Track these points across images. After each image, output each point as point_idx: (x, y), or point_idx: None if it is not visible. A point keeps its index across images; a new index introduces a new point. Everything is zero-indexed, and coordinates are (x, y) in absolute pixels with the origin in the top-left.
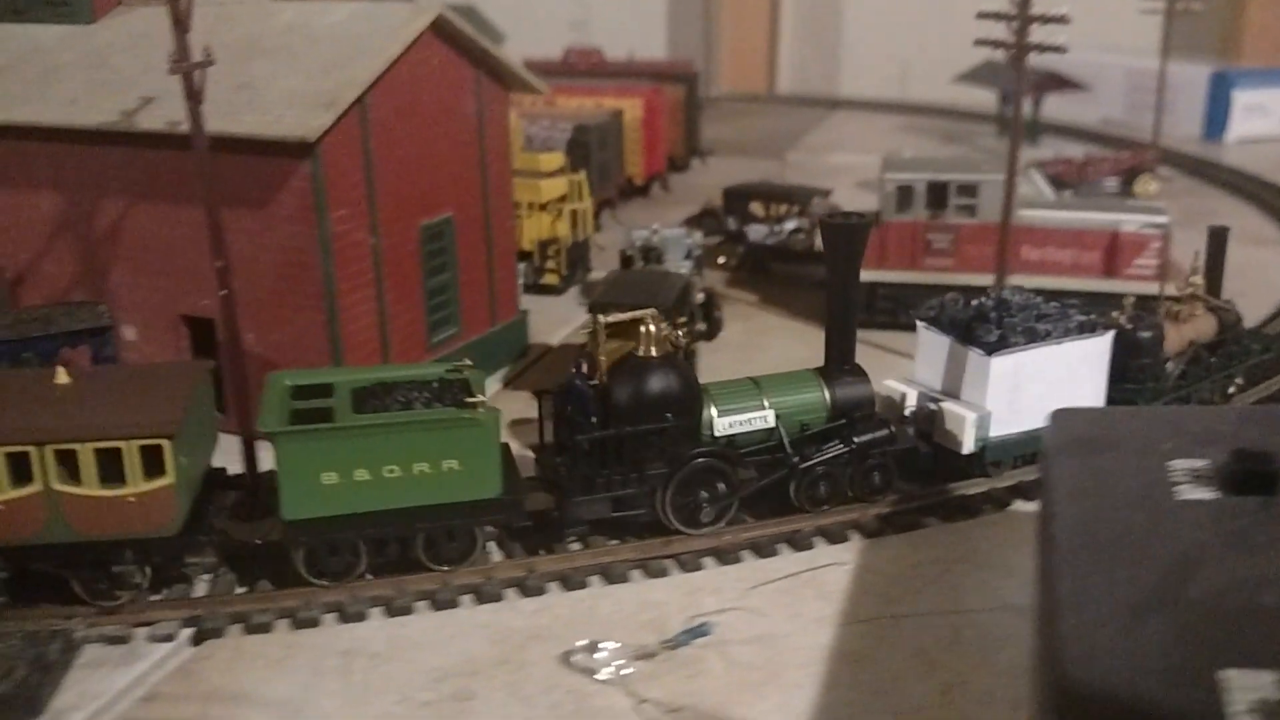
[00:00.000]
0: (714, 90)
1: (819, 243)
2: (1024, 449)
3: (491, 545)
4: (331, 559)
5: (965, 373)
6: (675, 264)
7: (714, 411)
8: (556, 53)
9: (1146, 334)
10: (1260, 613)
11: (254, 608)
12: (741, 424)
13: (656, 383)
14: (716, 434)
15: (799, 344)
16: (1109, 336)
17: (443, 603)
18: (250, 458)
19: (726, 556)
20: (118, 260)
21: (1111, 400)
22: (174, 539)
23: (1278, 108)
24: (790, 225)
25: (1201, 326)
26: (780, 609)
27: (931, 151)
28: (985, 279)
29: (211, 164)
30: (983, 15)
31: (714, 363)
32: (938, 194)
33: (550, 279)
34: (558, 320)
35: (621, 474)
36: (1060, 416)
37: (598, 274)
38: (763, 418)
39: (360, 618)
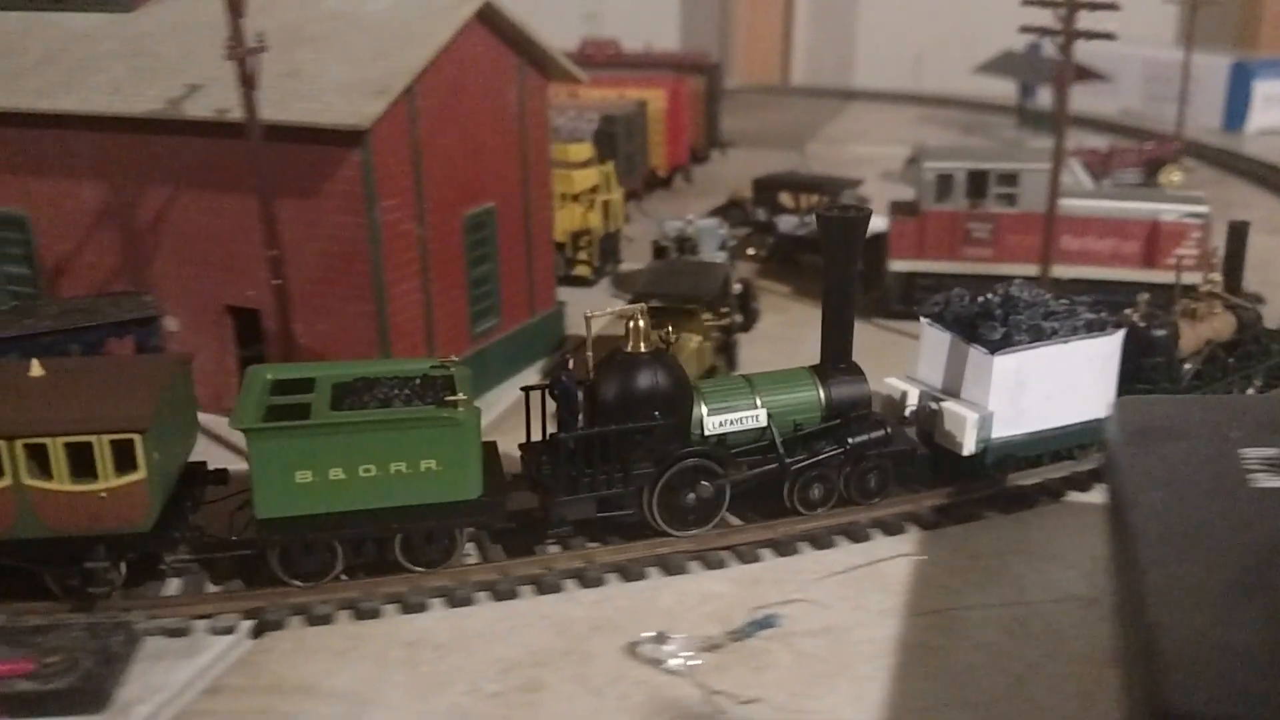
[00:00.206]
0: (728, 82)
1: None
2: (1028, 451)
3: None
4: (307, 559)
5: (968, 371)
6: (709, 255)
7: (704, 410)
8: (569, 44)
9: (1160, 332)
10: None
11: (315, 599)
12: (732, 423)
13: (644, 380)
14: (706, 433)
15: None
16: (1118, 336)
17: (503, 593)
18: None
19: (784, 548)
20: (160, 250)
21: None
22: (147, 535)
23: None
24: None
25: (1219, 325)
26: (843, 601)
27: (953, 143)
28: (1025, 269)
29: (262, 153)
30: (1028, 1)
31: (754, 355)
32: (978, 183)
33: (582, 270)
34: (591, 311)
35: (607, 473)
36: (1123, 406)
37: (627, 266)
38: (754, 417)
39: (422, 609)
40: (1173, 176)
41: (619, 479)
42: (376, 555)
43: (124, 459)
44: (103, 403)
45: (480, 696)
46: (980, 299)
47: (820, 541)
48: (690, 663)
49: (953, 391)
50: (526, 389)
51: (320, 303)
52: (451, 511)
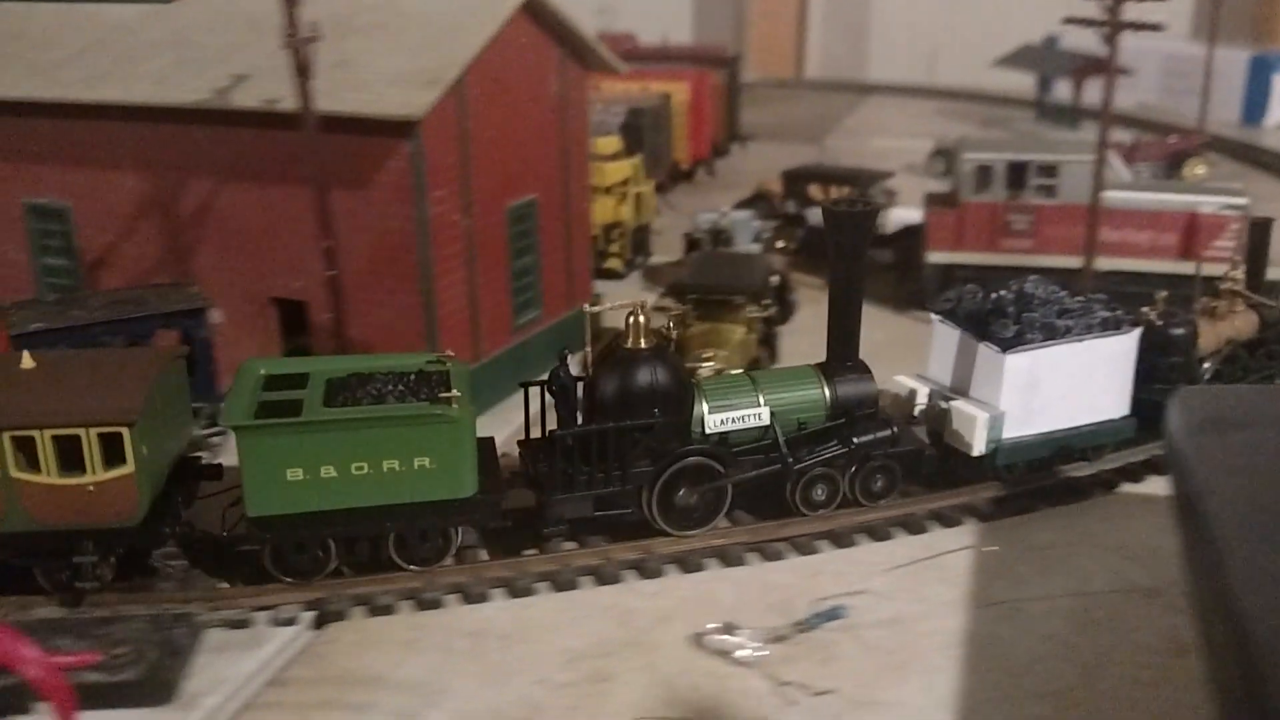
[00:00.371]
0: (743, 76)
1: (884, 225)
2: (1040, 452)
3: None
4: (300, 556)
5: (979, 370)
6: (743, 246)
7: (705, 408)
8: None
9: (1178, 331)
10: None
11: (377, 589)
12: (734, 421)
13: (643, 377)
14: (707, 431)
15: (873, 328)
16: (1134, 334)
17: (563, 584)
18: None
19: (842, 540)
20: (204, 242)
21: (1138, 401)
22: (135, 530)
23: None
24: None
25: (1240, 324)
26: (905, 592)
27: (974, 136)
28: (1065, 260)
29: (317, 143)
30: None
31: (794, 346)
32: (1017, 174)
33: (614, 263)
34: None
35: (605, 472)
36: (1187, 396)
37: (658, 259)
38: (757, 415)
39: (483, 599)
40: (1197, 170)
41: (617, 477)
42: (370, 553)
43: (112, 452)
44: (91, 395)
45: (550, 686)
46: (993, 295)
47: (878, 533)
48: (758, 654)
49: (963, 390)
50: (525, 385)
51: (368, 294)
52: (445, 510)
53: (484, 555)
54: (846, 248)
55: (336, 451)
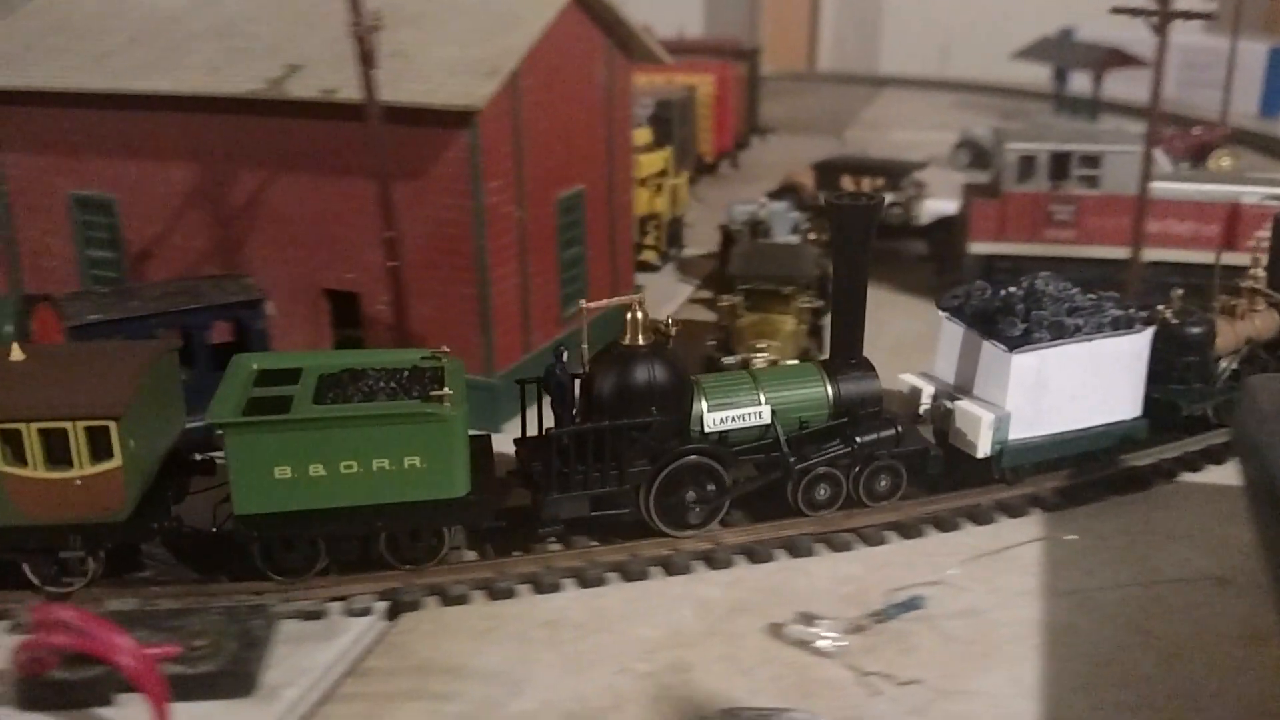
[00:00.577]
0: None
1: (918, 217)
2: (1049, 455)
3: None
4: (289, 555)
5: (986, 369)
6: (781, 238)
7: (704, 406)
8: None
9: (1195, 330)
10: None
11: (450, 579)
12: (734, 420)
13: (641, 374)
14: (707, 430)
15: (915, 320)
16: (1147, 333)
17: (634, 574)
18: None
19: (910, 531)
20: (254, 233)
21: (1152, 402)
22: (123, 525)
23: None
24: (886, 200)
25: (1261, 324)
26: (978, 583)
27: (996, 127)
28: (1107, 251)
29: (380, 133)
30: None
31: None
32: (1060, 164)
33: (649, 255)
34: (661, 296)
35: (601, 471)
36: (1258, 385)
37: (690, 251)
38: (757, 414)
39: (555, 589)
40: (1223, 162)
41: (614, 477)
42: (361, 553)
43: (99, 446)
44: (79, 388)
45: (632, 676)
46: (1002, 292)
47: (945, 524)
48: (838, 644)
49: (970, 390)
50: (521, 382)
51: (422, 285)
52: (436, 510)
53: (470, 555)
54: (850, 242)
55: (325, 450)
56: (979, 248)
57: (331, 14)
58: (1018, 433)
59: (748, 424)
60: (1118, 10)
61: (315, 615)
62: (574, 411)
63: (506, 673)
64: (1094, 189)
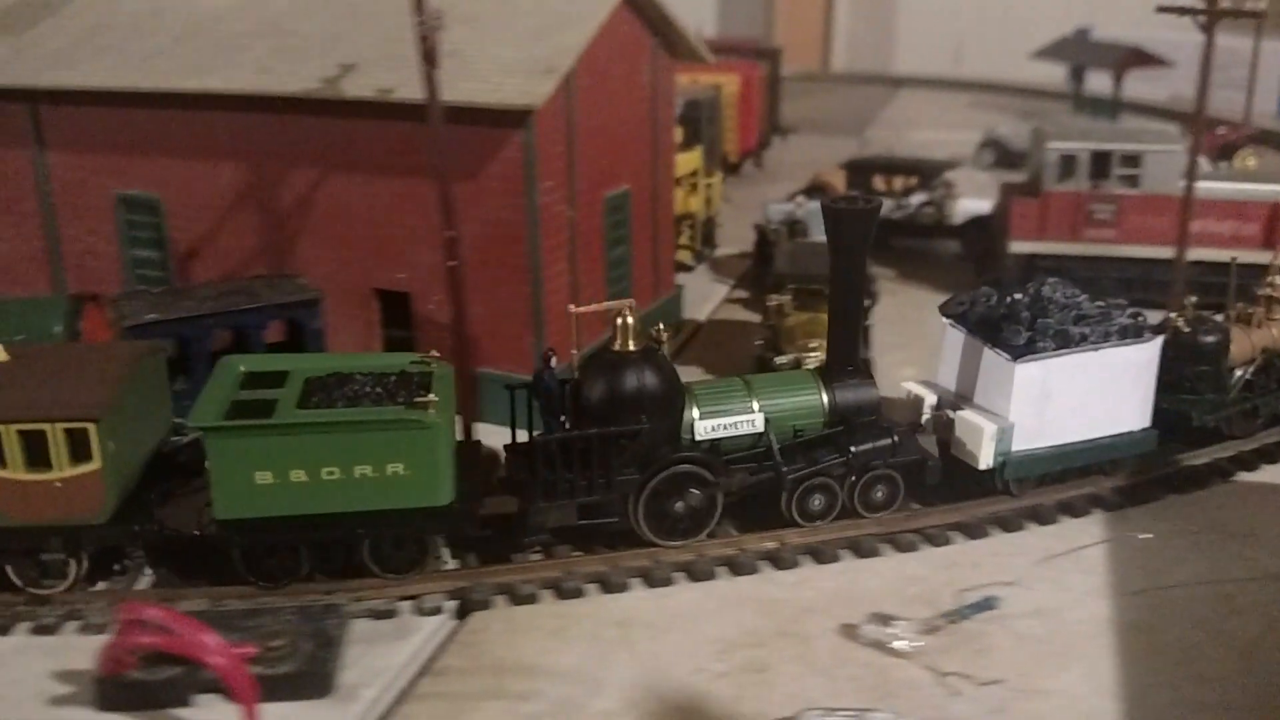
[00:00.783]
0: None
1: (951, 216)
2: (1053, 466)
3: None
4: (271, 560)
5: (989, 378)
6: (819, 237)
7: (695, 413)
8: None
9: (1210, 338)
10: None
11: (519, 579)
12: (726, 428)
13: (630, 380)
14: (697, 438)
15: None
16: (1156, 343)
17: (700, 574)
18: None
19: (973, 531)
20: (303, 233)
21: (1162, 412)
22: (103, 527)
23: None
24: (918, 199)
25: (1278, 333)
26: (1047, 582)
27: (1015, 126)
28: (1148, 250)
29: (442, 133)
30: None
31: (884, 338)
32: (1101, 164)
33: (683, 255)
34: (698, 296)
35: (588, 479)
36: None
37: (723, 251)
38: (750, 421)
39: (623, 588)
40: (1248, 161)
41: (601, 485)
42: (344, 559)
43: (79, 448)
44: (59, 390)
45: (709, 676)
46: (1009, 299)
47: (1009, 524)
48: (914, 645)
49: (973, 399)
50: (511, 387)
51: (474, 285)
52: (419, 518)
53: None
54: (848, 246)
55: (306, 455)
56: (1020, 247)
57: (379, 13)
58: (1021, 444)
59: (740, 432)
60: (1164, 9)
61: (386, 614)
62: (562, 418)
63: (583, 672)
64: (1134, 188)
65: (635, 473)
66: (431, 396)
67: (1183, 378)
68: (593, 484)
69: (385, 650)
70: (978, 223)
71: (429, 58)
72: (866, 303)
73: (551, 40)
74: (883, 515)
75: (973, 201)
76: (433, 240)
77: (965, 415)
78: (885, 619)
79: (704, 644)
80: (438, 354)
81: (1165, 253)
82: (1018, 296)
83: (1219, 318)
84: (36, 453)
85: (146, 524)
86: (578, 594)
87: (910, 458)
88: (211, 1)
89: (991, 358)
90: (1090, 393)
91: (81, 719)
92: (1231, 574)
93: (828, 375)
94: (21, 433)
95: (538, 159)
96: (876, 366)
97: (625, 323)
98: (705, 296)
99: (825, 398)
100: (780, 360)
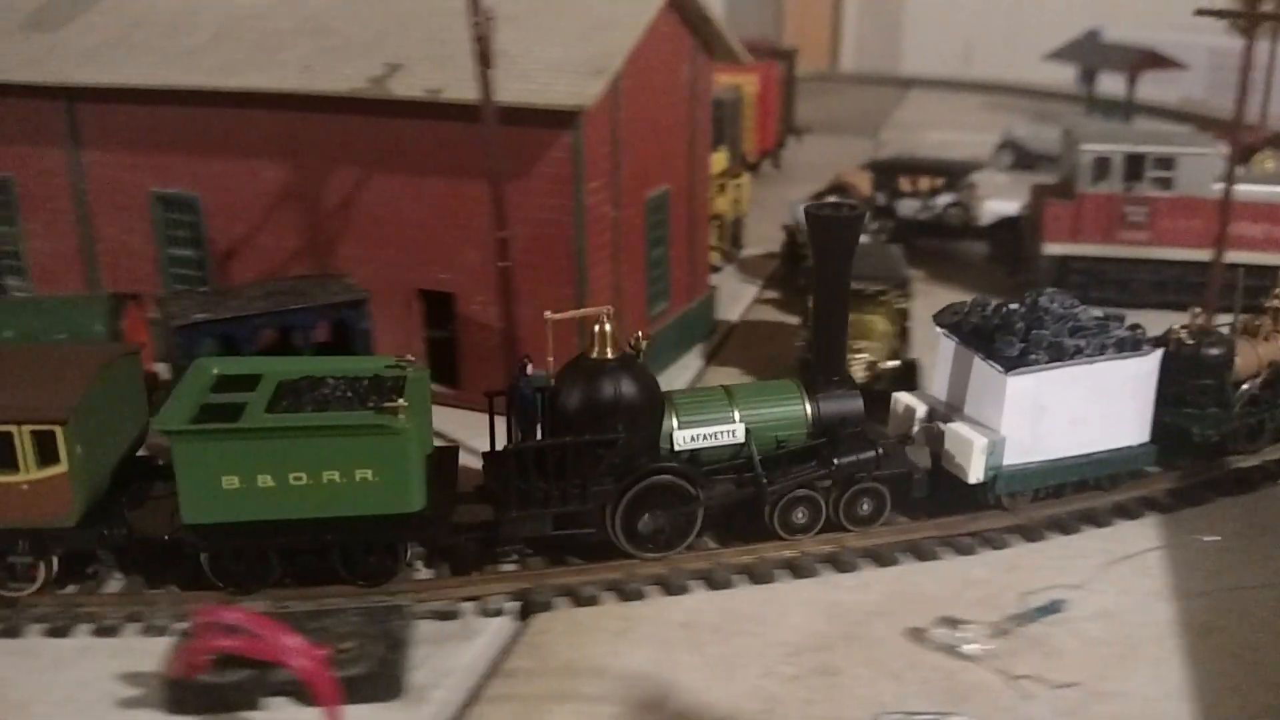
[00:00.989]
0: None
1: (978, 217)
2: (1046, 481)
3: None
4: (240, 566)
5: (981, 390)
6: None
7: (674, 423)
8: None
9: (1214, 351)
10: None
11: (581, 580)
12: (705, 438)
13: (608, 389)
14: (676, 448)
15: None
16: (1154, 356)
17: (760, 577)
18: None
19: (1032, 534)
20: (346, 233)
21: (1163, 427)
22: (71, 531)
23: None
24: (945, 200)
25: None
26: (1109, 585)
27: (1033, 127)
28: (1182, 253)
29: (495, 134)
30: None
31: (924, 338)
32: (1134, 166)
33: (711, 256)
34: (728, 297)
35: (563, 489)
36: None
37: (750, 251)
38: (730, 432)
39: (684, 590)
40: (1266, 164)
41: (577, 495)
42: (315, 565)
43: (46, 451)
44: (26, 392)
45: (779, 679)
46: (1004, 309)
47: (1067, 528)
48: (984, 648)
49: (965, 411)
50: (490, 394)
51: (519, 285)
52: (390, 525)
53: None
54: (831, 253)
55: (273, 460)
56: (1054, 249)
57: (419, 12)
58: (1013, 458)
59: (720, 442)
60: (1202, 12)
61: (449, 615)
62: (537, 426)
63: (651, 675)
64: (1168, 191)
65: (612, 483)
66: (401, 401)
67: (1185, 391)
68: (567, 494)
69: (452, 651)
70: (1007, 224)
71: (484, 58)
72: (905, 305)
73: (599, 40)
74: (868, 529)
75: (1000, 203)
76: (477, 240)
77: (956, 428)
78: (954, 623)
79: (772, 647)
80: (413, 358)
81: (1198, 255)
82: (1014, 306)
83: (1224, 329)
84: (3, 455)
85: (116, 528)
86: (639, 596)
87: (896, 470)
88: (255, 1)
89: (984, 369)
90: (1085, 406)
91: None
92: None
93: (812, 385)
94: None
95: (584, 160)
96: (921, 369)
97: (603, 330)
98: (735, 297)
99: (808, 408)
100: None
